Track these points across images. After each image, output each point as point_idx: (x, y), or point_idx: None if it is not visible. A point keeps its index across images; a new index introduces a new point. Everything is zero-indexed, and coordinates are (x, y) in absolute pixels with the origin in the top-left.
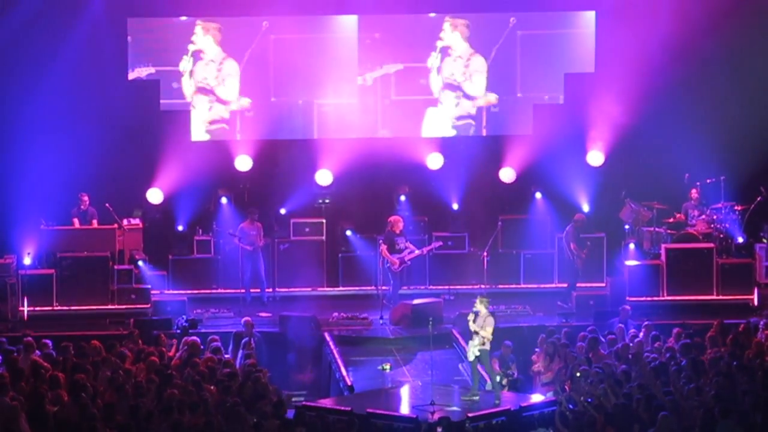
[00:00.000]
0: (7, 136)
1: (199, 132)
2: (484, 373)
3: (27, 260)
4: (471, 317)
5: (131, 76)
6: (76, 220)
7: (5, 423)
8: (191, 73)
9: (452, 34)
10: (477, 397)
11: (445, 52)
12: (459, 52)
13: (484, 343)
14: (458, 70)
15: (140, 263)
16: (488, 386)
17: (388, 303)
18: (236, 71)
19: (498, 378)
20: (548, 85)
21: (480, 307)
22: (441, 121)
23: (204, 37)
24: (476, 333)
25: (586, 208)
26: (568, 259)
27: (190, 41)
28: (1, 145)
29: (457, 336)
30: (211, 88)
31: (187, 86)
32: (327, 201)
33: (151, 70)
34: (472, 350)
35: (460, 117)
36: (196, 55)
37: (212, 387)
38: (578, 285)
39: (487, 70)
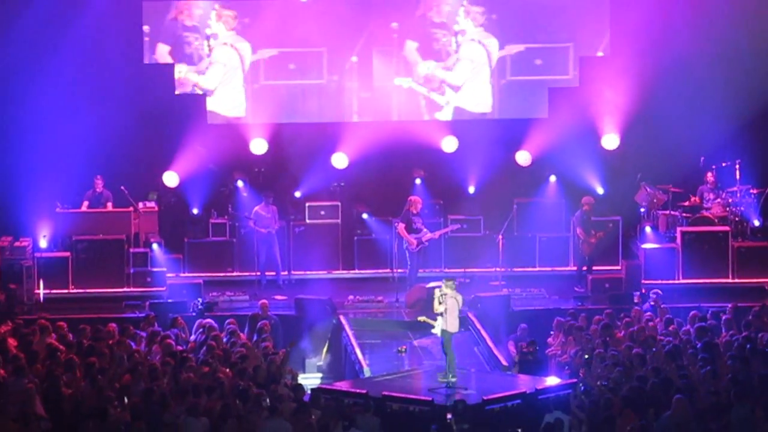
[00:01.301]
0: (23, 119)
1: (215, 115)
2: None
3: (42, 243)
4: (439, 297)
5: (154, 59)
6: (86, 203)
7: (21, 405)
8: (207, 57)
9: (466, 20)
10: (454, 379)
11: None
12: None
13: (445, 325)
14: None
15: (155, 246)
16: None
17: (408, 283)
18: (249, 54)
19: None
20: (560, 68)
21: (446, 289)
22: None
23: (217, 24)
24: (441, 314)
25: (600, 191)
26: (577, 243)
27: (207, 26)
28: (17, 128)
29: (473, 319)
30: (226, 72)
31: (203, 70)
32: (342, 184)
33: (168, 59)
34: (437, 327)
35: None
36: (213, 39)
37: (227, 370)
38: (591, 269)
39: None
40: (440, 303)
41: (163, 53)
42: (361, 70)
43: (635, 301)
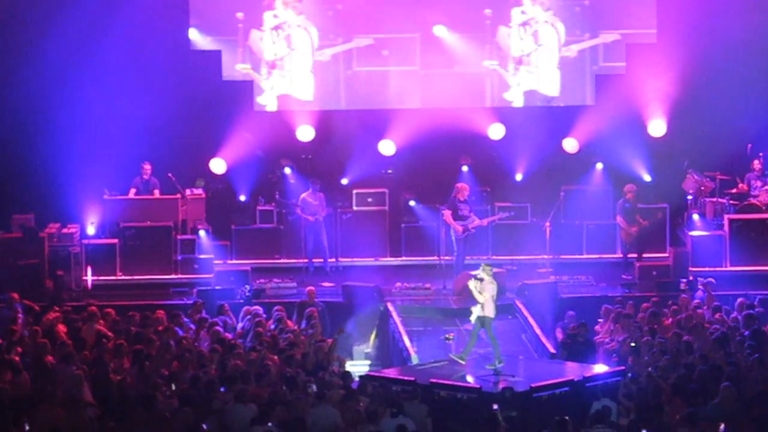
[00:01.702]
0: (72, 105)
1: (266, 101)
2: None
3: (90, 230)
4: (475, 282)
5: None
6: (133, 190)
7: (69, 391)
8: (263, 43)
9: (533, 7)
10: (463, 362)
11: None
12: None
13: (484, 309)
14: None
15: (202, 233)
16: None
17: (455, 270)
18: (309, 43)
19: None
20: (611, 54)
21: (483, 274)
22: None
23: (285, 11)
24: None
25: (647, 178)
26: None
27: (270, 9)
28: (66, 114)
29: (520, 306)
30: (281, 58)
31: (260, 55)
32: (390, 171)
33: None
34: (475, 312)
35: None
36: (270, 25)
37: (275, 357)
38: (642, 256)
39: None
40: (479, 291)
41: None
42: (425, 55)
43: (681, 288)
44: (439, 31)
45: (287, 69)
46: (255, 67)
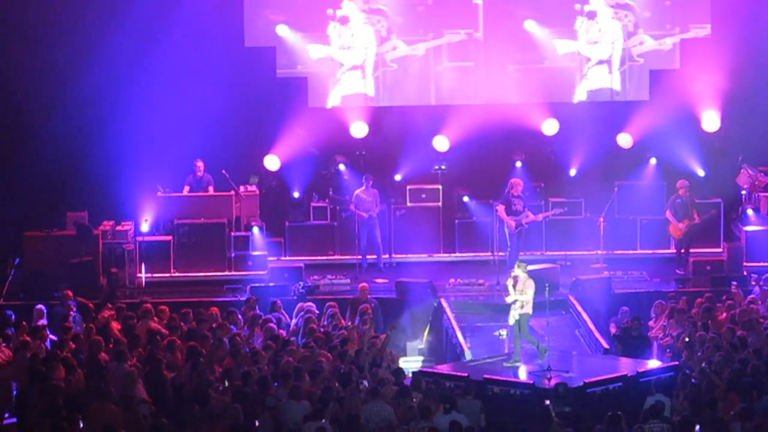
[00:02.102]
0: (125, 103)
1: (324, 98)
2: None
3: (144, 227)
4: (510, 282)
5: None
6: (187, 188)
7: (123, 388)
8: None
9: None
10: (519, 364)
11: (590, 16)
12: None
13: (523, 306)
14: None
15: (255, 230)
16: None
17: (509, 266)
18: (373, 39)
19: (536, 345)
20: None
21: (518, 272)
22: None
23: (349, 4)
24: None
25: (701, 173)
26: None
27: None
28: (120, 112)
29: (574, 302)
30: (343, 55)
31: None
32: (444, 167)
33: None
34: (513, 315)
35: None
36: (339, 20)
37: (328, 353)
38: (689, 251)
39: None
40: (521, 291)
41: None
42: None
43: (732, 290)
44: (530, 26)
45: (352, 65)
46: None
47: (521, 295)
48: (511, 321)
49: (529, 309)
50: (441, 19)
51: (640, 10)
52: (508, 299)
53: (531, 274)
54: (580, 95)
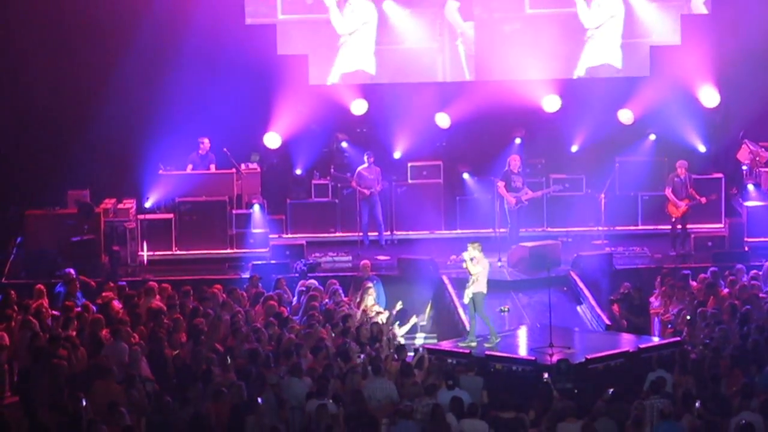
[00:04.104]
0: (127, 80)
1: (324, 76)
2: (476, 318)
3: (146, 205)
4: (467, 264)
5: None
6: (190, 165)
7: (126, 367)
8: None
9: None
10: (475, 344)
11: None
12: None
13: (475, 282)
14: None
15: (257, 208)
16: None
17: (510, 243)
18: (375, 16)
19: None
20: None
21: (474, 252)
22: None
23: None
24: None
25: (702, 149)
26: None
27: None
28: (122, 89)
29: (575, 278)
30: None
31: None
32: (444, 144)
33: None
34: (467, 293)
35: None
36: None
37: (330, 330)
38: (685, 227)
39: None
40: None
41: None
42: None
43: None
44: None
45: (356, 43)
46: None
47: (473, 267)
48: (466, 300)
49: (482, 287)
50: None
51: None
52: (472, 270)
53: (532, 251)
54: (579, 71)
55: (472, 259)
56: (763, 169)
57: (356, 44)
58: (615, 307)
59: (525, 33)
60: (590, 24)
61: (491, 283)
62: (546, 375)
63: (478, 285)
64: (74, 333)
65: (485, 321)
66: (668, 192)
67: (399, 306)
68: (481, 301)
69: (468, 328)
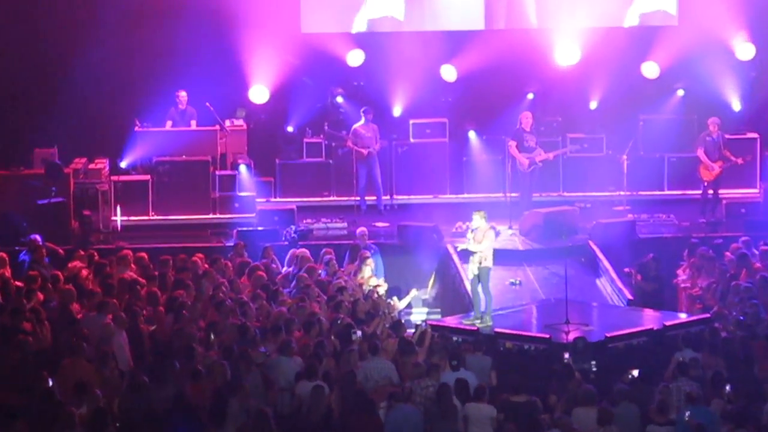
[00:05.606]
0: (99, 30)
1: (318, 23)
2: (482, 294)
3: (121, 165)
4: (470, 234)
5: None
6: (169, 122)
7: (98, 343)
8: None
9: None
10: (479, 321)
11: None
12: None
13: (482, 261)
14: None
15: (243, 168)
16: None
17: (522, 208)
18: None
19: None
20: None
21: (478, 221)
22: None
23: None
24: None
25: (736, 106)
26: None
27: None
28: (93, 41)
29: (594, 248)
30: None
31: None
32: (450, 99)
33: None
34: (471, 268)
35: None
36: None
37: (324, 304)
38: (717, 192)
39: None
40: (478, 241)
41: None
42: None
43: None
44: None
45: None
46: None
47: (478, 245)
48: (470, 275)
49: (489, 262)
50: None
51: None
52: (460, 247)
53: (547, 217)
54: (632, 19)
55: (473, 231)
56: None
57: None
58: (639, 277)
59: None
60: None
61: (501, 253)
62: (567, 355)
63: (483, 259)
64: (39, 306)
65: (487, 299)
66: (700, 153)
67: (414, 294)
68: (486, 275)
69: (473, 305)
